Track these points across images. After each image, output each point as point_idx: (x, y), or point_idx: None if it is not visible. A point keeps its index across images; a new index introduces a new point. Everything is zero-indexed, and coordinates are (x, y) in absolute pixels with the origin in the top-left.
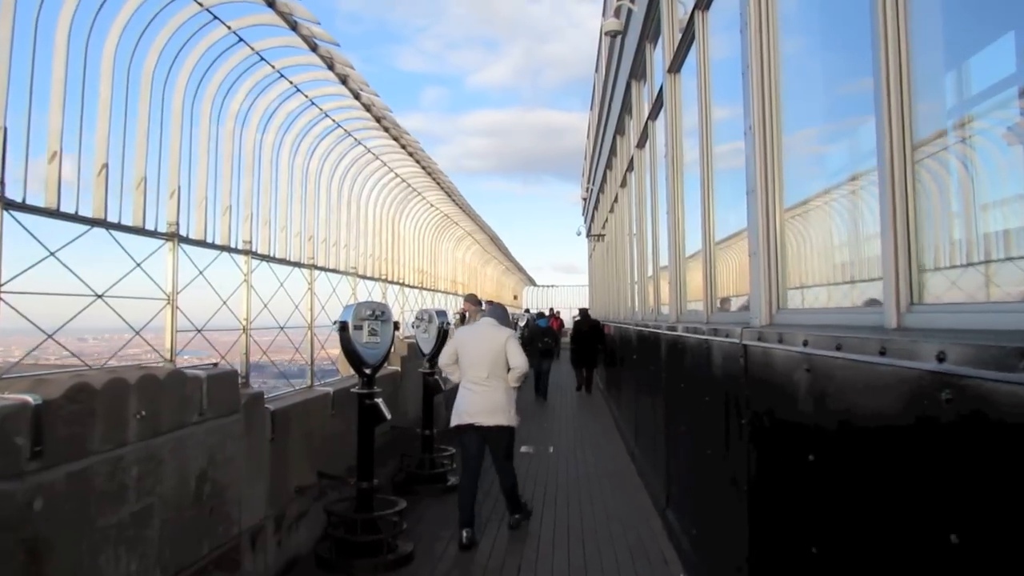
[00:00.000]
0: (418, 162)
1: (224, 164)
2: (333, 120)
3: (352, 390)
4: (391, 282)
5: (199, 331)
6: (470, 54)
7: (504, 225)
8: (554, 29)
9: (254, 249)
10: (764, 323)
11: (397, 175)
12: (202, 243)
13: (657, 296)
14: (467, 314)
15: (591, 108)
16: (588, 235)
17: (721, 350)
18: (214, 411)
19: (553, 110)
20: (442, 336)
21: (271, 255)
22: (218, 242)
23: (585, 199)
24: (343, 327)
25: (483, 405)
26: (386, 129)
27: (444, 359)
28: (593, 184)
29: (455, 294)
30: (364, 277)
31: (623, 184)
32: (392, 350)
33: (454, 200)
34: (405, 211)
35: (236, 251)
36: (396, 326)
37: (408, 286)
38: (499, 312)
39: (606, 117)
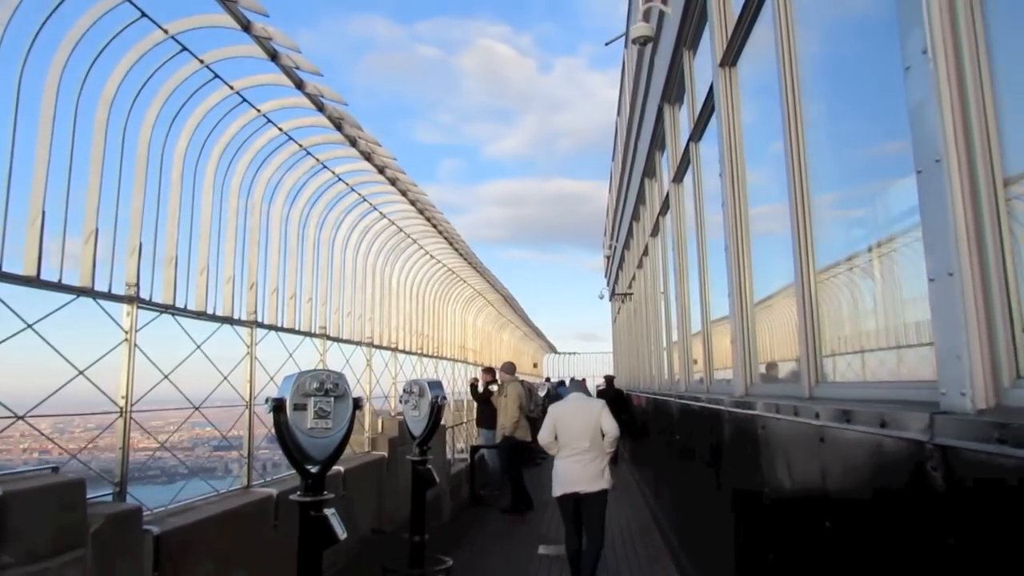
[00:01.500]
0: (404, 194)
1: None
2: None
3: (293, 497)
4: (377, 347)
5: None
6: (484, 126)
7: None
8: (567, 100)
9: (150, 298)
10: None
11: (376, 209)
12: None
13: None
14: (494, 383)
15: (612, 159)
16: (611, 297)
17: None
18: (25, 550)
19: (568, 179)
20: (436, 413)
21: (176, 305)
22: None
23: (608, 257)
24: (278, 407)
25: (584, 474)
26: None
27: (545, 438)
28: (617, 241)
29: (464, 361)
30: (337, 339)
31: (654, 232)
32: (360, 435)
33: (457, 250)
34: (396, 261)
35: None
36: (358, 404)
37: (402, 351)
38: (582, 386)
39: (630, 168)
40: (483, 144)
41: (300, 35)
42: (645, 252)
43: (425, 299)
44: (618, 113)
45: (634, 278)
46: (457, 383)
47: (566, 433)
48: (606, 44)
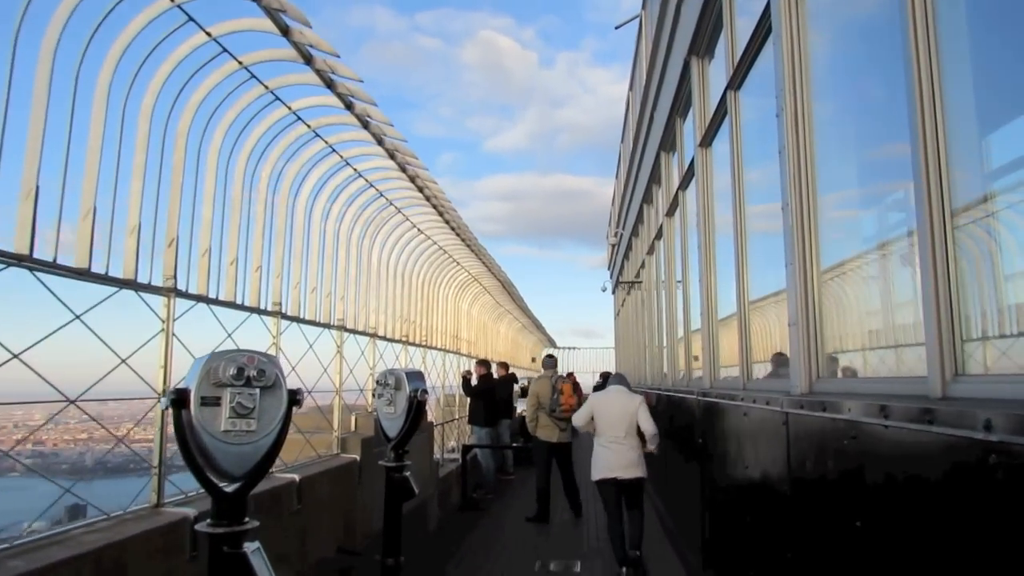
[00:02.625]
0: (379, 142)
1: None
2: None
3: (200, 527)
4: (350, 331)
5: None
6: (485, 120)
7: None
8: (568, 95)
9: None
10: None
11: (348, 163)
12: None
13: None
14: (482, 375)
15: (621, 139)
16: (615, 289)
17: None
18: None
19: (569, 175)
20: (415, 411)
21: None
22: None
23: (613, 246)
24: (178, 400)
25: (621, 461)
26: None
27: (580, 420)
28: (623, 228)
29: (457, 353)
30: (296, 320)
31: (671, 211)
32: (328, 435)
33: (448, 222)
34: (376, 232)
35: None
36: (295, 399)
37: (382, 338)
38: (624, 379)
39: (644, 142)
40: (483, 138)
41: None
42: (659, 235)
43: (412, 280)
44: (630, 87)
45: (643, 265)
46: (448, 376)
47: (603, 421)
48: (616, 28)
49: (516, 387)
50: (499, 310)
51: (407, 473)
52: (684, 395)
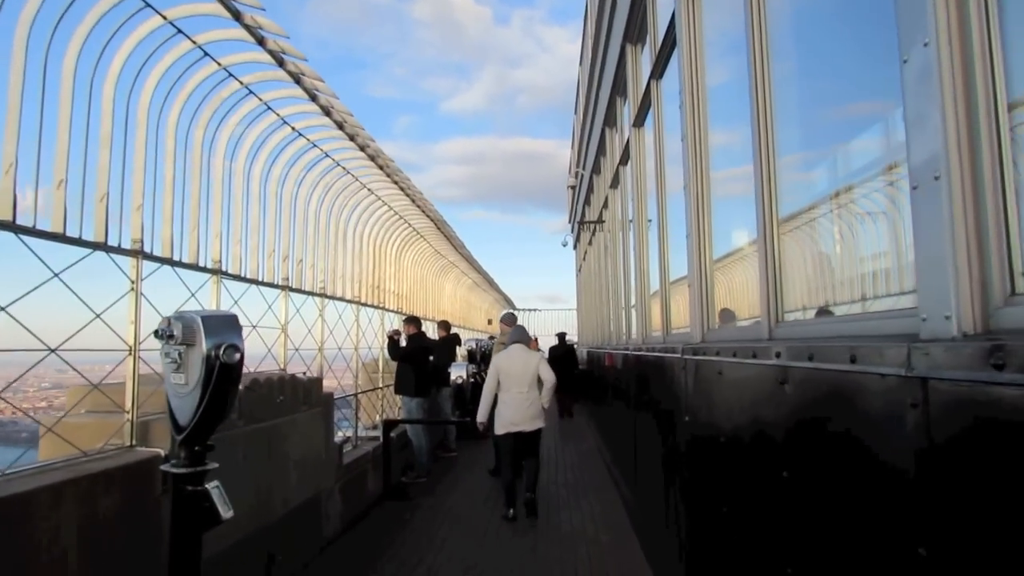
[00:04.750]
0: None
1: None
2: None
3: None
4: (224, 274)
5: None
6: (441, 80)
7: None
8: (525, 55)
9: None
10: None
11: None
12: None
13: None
14: (412, 334)
15: (579, 63)
16: (576, 239)
17: None
18: None
19: (529, 137)
20: (219, 382)
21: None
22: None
23: (573, 188)
24: None
25: (525, 414)
26: None
27: (490, 384)
28: (584, 165)
29: (380, 308)
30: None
31: (638, 121)
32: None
33: (349, 136)
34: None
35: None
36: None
37: (232, 277)
38: (524, 335)
39: (599, 75)
40: (440, 100)
41: None
42: (624, 157)
43: (305, 209)
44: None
45: (606, 204)
46: (368, 337)
47: (507, 378)
48: None
49: (460, 351)
50: (441, 262)
51: (211, 486)
52: (661, 354)
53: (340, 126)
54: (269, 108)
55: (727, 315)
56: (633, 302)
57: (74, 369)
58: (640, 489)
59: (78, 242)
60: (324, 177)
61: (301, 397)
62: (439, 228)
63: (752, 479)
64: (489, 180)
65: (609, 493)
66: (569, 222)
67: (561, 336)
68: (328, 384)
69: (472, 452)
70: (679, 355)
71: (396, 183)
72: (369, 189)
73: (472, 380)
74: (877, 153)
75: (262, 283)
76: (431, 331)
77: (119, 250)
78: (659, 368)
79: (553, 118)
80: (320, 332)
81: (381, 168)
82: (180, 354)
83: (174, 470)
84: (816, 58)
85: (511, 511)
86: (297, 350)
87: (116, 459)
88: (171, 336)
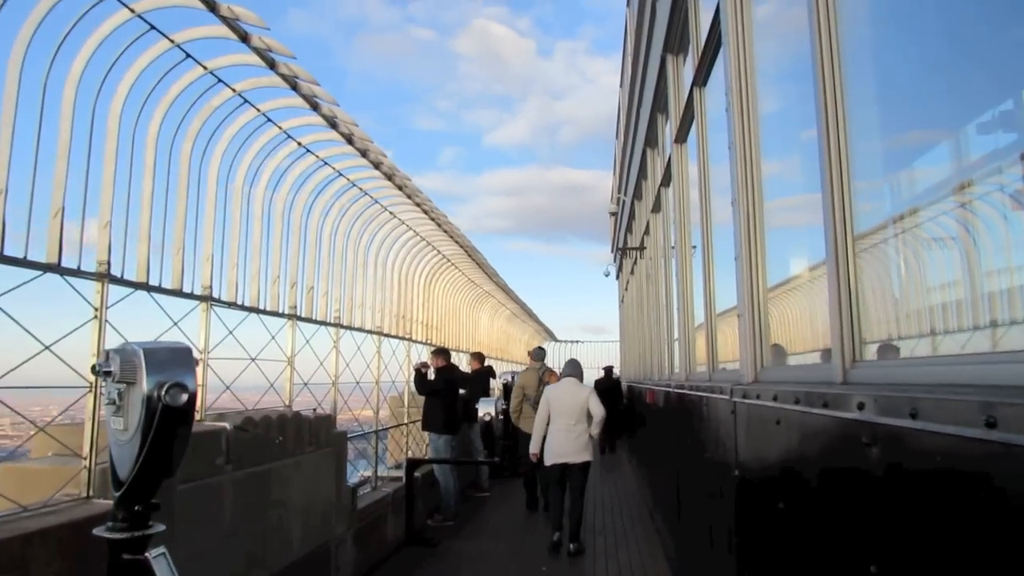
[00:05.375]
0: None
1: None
2: None
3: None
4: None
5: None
6: (485, 112)
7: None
8: (568, 87)
9: None
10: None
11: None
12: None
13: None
14: (440, 367)
15: (620, 85)
16: (619, 270)
17: None
18: None
19: (572, 168)
20: (162, 428)
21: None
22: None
23: (614, 215)
24: None
25: (572, 446)
26: None
27: (540, 417)
28: (625, 192)
29: (407, 339)
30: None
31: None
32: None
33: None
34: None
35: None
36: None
37: (223, 305)
38: (577, 369)
39: (640, 92)
40: (484, 132)
41: (290, 13)
42: (666, 178)
43: (328, 236)
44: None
45: (647, 230)
46: (391, 369)
47: (556, 409)
48: None
49: (494, 383)
50: (475, 291)
51: (154, 554)
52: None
53: (349, 140)
54: (269, 120)
55: (778, 351)
56: (676, 335)
57: (8, 407)
58: (683, 545)
59: (23, 263)
60: (339, 199)
61: (307, 437)
62: (470, 255)
63: (821, 566)
64: (533, 211)
65: (650, 542)
66: (612, 251)
67: (608, 369)
68: (344, 419)
69: (506, 491)
70: (727, 396)
71: (418, 205)
72: (391, 212)
73: (502, 416)
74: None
75: (264, 311)
76: (463, 364)
77: (78, 272)
78: (704, 409)
79: (595, 147)
80: (335, 364)
81: (400, 188)
82: (119, 394)
83: (109, 535)
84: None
85: (557, 535)
86: (306, 384)
87: (61, 515)
88: (108, 372)
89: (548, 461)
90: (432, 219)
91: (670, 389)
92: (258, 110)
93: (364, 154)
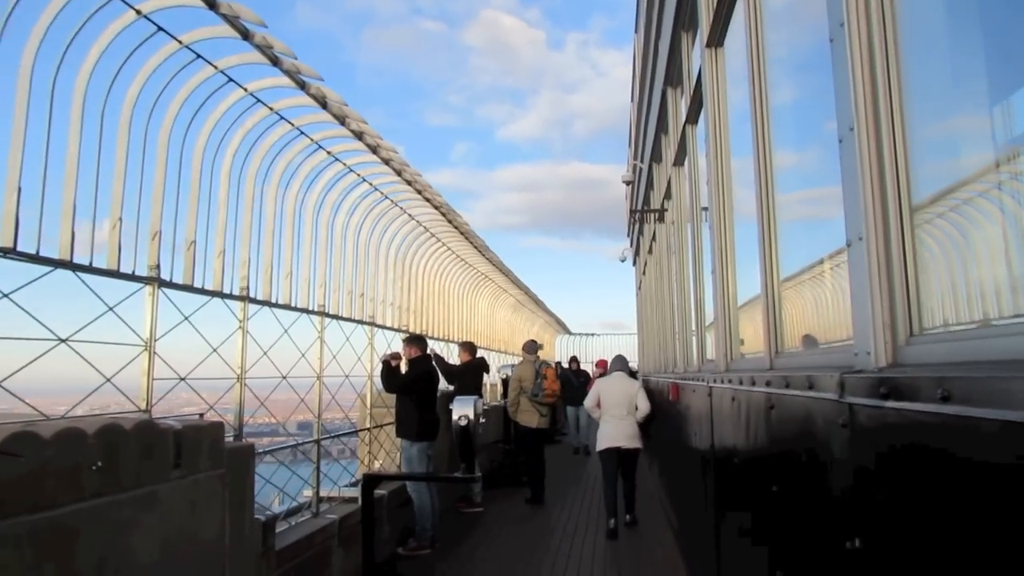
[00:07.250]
0: None
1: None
2: None
3: None
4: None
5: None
6: (496, 107)
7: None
8: (580, 79)
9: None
10: None
11: None
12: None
13: None
14: (414, 357)
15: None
16: (635, 257)
17: None
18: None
19: (586, 163)
20: None
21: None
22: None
23: (630, 183)
24: None
25: (624, 433)
26: None
27: (590, 402)
28: (642, 157)
29: (370, 324)
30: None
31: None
32: None
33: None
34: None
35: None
36: None
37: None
38: (626, 364)
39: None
40: (496, 126)
41: (296, 6)
42: (693, 108)
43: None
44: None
45: (668, 193)
46: (347, 360)
47: (608, 400)
48: None
49: (488, 378)
50: (470, 272)
51: None
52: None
53: (342, 120)
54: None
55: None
56: (709, 320)
57: None
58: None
59: None
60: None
61: (170, 457)
62: (467, 239)
63: None
64: (547, 206)
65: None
66: (627, 234)
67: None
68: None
69: (502, 507)
70: (834, 396)
71: (385, 161)
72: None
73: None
74: None
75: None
76: (454, 358)
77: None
78: (766, 410)
79: (609, 142)
80: (240, 355)
81: (373, 150)
82: None
83: None
84: None
85: (612, 521)
86: (183, 379)
87: None
88: None
89: (602, 445)
90: (405, 180)
91: (699, 382)
92: (254, 96)
93: (360, 136)
